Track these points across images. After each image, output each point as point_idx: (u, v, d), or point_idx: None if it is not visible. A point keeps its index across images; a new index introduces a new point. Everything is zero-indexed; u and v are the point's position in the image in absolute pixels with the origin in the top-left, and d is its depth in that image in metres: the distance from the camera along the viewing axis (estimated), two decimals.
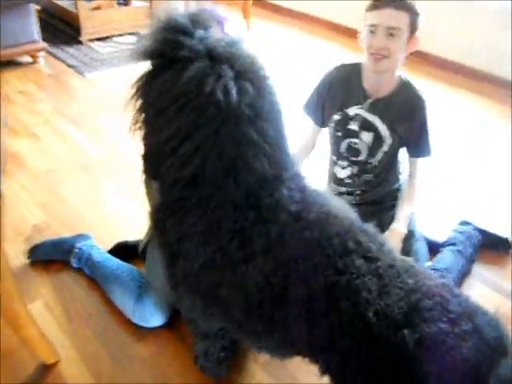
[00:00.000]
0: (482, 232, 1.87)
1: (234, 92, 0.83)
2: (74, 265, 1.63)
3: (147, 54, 0.89)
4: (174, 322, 1.47)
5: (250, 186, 0.88)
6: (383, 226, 1.54)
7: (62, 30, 3.87)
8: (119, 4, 4.01)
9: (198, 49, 0.85)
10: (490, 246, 1.88)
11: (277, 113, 0.91)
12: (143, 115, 0.93)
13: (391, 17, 1.40)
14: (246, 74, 0.87)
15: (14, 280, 1.13)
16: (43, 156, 2.34)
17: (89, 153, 2.40)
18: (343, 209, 0.99)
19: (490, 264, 1.83)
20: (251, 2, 3.91)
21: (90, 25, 3.61)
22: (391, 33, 1.41)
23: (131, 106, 0.93)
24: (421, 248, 1.70)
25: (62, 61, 3.38)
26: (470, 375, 0.77)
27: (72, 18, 3.70)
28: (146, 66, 0.92)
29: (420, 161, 1.66)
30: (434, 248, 1.77)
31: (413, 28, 1.45)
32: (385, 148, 1.60)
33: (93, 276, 1.59)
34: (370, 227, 0.99)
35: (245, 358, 1.40)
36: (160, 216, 1.02)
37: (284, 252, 0.90)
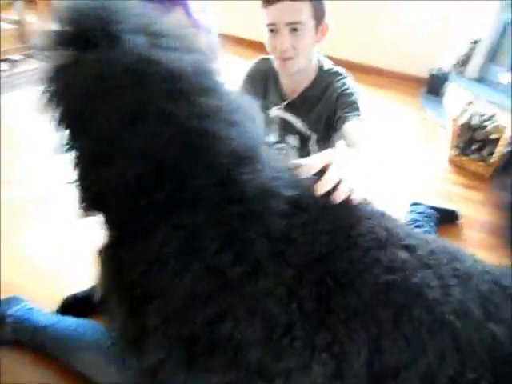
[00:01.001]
0: (434, 209, 1.93)
1: (188, 61, 0.70)
2: (9, 338, 1.25)
3: (63, 41, 0.68)
4: None
5: (223, 169, 0.68)
6: None
7: None
8: None
9: (124, 25, 0.69)
10: (440, 221, 1.94)
11: (226, 87, 0.77)
12: (67, 121, 0.70)
13: (291, 10, 1.18)
14: (184, 46, 0.73)
15: None
16: None
17: None
18: None
19: (445, 236, 1.88)
20: None
21: None
22: (294, 28, 1.20)
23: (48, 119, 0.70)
24: None
25: None
26: None
27: None
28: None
29: (361, 126, 1.24)
30: None
31: (318, 15, 1.24)
32: (313, 148, 1.44)
33: (41, 347, 1.23)
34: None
35: None
36: (113, 254, 0.74)
37: (301, 252, 0.69)
